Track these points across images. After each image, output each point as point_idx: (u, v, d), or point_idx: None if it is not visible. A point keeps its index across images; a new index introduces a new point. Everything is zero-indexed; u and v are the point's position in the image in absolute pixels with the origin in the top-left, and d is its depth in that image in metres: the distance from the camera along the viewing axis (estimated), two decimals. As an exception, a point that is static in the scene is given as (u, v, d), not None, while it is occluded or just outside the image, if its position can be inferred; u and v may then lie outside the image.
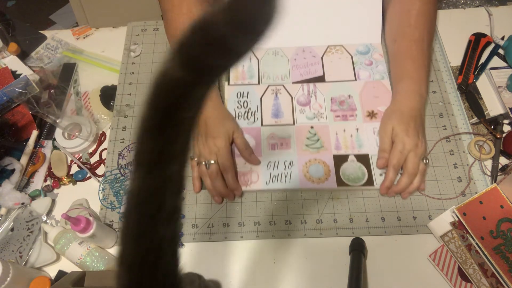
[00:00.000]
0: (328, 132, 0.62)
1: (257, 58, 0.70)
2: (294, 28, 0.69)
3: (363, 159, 0.59)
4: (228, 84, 0.68)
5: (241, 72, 0.68)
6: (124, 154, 0.63)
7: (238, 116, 0.64)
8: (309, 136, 0.61)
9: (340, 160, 0.59)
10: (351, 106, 0.64)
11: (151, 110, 0.22)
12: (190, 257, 0.55)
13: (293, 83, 0.67)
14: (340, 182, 0.58)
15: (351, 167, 0.59)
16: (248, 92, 0.66)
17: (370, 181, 0.58)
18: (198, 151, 0.58)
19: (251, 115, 0.64)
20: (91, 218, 0.50)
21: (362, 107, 0.64)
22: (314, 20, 0.69)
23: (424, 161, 0.56)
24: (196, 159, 0.58)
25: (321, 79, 0.67)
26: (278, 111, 0.64)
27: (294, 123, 0.63)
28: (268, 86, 0.67)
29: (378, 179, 0.58)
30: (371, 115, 0.63)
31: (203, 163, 0.57)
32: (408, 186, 0.56)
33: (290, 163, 0.59)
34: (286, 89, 0.67)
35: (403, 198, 0.57)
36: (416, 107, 0.58)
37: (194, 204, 0.58)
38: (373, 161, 0.59)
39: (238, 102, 0.65)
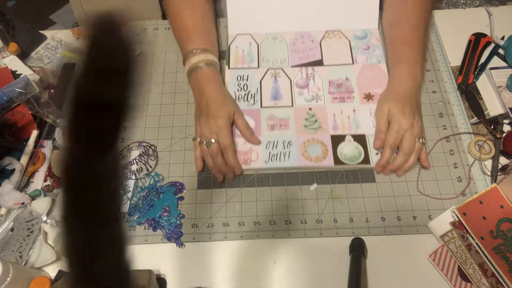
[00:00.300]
0: (326, 114, 0.63)
1: (256, 43, 0.72)
2: (293, 13, 0.71)
3: (360, 139, 0.61)
4: (229, 67, 0.69)
5: (241, 56, 0.70)
6: (124, 154, 0.63)
7: (238, 98, 0.65)
8: (308, 117, 0.63)
9: (337, 140, 0.61)
10: (348, 88, 0.66)
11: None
12: (189, 257, 0.55)
13: (292, 66, 0.69)
14: (337, 160, 0.59)
15: (348, 147, 0.60)
16: (248, 76, 0.68)
17: (366, 160, 0.59)
18: (200, 131, 0.60)
19: (251, 97, 0.65)
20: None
21: (359, 90, 0.66)
22: (313, 5, 0.71)
23: (421, 141, 0.58)
24: (198, 139, 0.60)
25: (319, 63, 0.69)
26: (277, 94, 0.66)
27: (292, 105, 0.65)
28: (268, 69, 0.68)
29: (374, 158, 0.59)
30: (368, 97, 0.65)
31: (204, 142, 0.58)
32: (403, 164, 0.58)
33: (288, 142, 0.61)
34: (285, 73, 0.68)
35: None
36: (411, 89, 0.60)
37: (194, 204, 0.58)
38: (369, 140, 0.61)
39: (238, 85, 0.67)
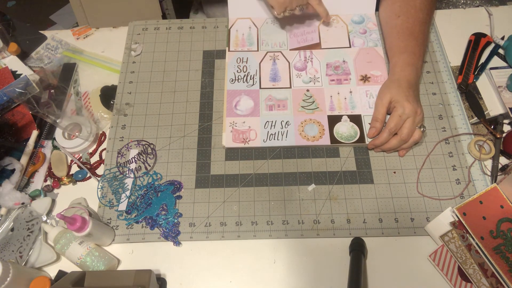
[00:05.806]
0: (323, 95, 0.66)
1: (256, 27, 0.74)
2: None
3: (356, 119, 0.63)
4: (229, 50, 0.71)
5: (240, 40, 0.72)
6: (123, 153, 0.63)
7: (238, 79, 0.67)
8: (305, 98, 0.65)
9: (334, 120, 0.63)
10: (345, 70, 0.68)
11: None
12: (187, 256, 0.55)
13: (290, 49, 0.71)
14: (333, 140, 0.61)
15: (344, 126, 0.62)
16: (247, 58, 0.70)
17: (361, 139, 0.61)
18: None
19: (250, 78, 0.68)
20: (86, 217, 0.50)
21: (356, 72, 0.68)
22: None
23: (422, 129, 0.58)
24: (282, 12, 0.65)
25: (317, 46, 0.71)
26: (275, 76, 0.68)
27: (291, 87, 0.67)
28: (267, 52, 0.71)
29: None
30: (364, 79, 0.67)
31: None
32: (395, 148, 0.59)
33: (286, 122, 0.63)
34: (283, 55, 0.70)
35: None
36: (414, 79, 0.61)
37: (192, 203, 0.58)
38: (365, 120, 0.63)
39: (238, 66, 0.69)
